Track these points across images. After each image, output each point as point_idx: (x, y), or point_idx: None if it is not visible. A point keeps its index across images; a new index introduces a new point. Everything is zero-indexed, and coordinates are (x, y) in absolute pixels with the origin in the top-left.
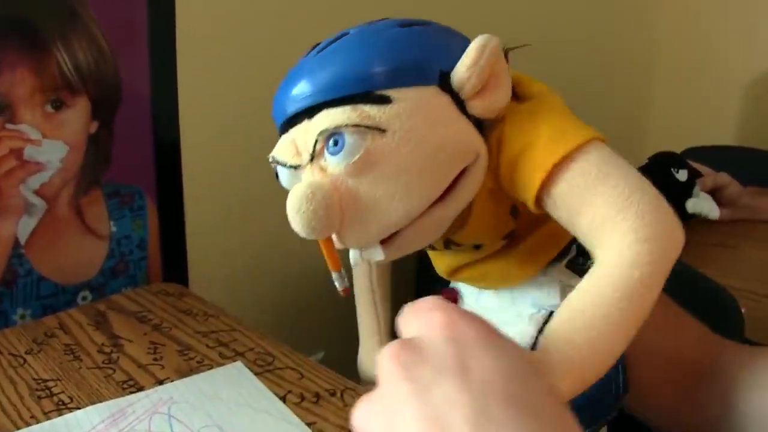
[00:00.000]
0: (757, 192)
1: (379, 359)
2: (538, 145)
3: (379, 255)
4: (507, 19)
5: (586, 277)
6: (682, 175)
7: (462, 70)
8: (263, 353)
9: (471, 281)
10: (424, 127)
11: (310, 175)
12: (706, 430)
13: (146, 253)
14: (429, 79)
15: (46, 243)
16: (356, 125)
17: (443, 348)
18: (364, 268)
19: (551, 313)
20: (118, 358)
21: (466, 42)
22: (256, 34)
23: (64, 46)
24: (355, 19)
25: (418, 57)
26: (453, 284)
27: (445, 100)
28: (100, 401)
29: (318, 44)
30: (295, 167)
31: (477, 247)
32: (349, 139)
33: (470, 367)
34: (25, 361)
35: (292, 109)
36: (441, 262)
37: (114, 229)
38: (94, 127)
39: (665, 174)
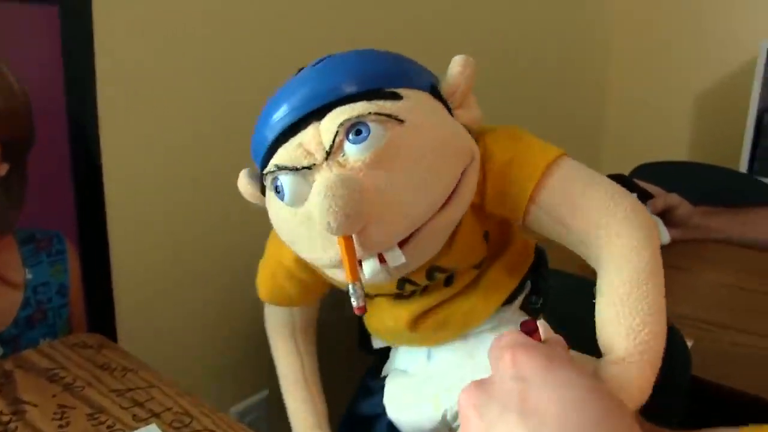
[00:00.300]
0: (708, 212)
1: (458, 401)
2: (528, 153)
3: (400, 258)
4: (459, 40)
5: (604, 274)
6: None
7: (453, 78)
8: (181, 413)
9: (432, 330)
10: (432, 122)
11: (327, 172)
12: None
13: (67, 300)
14: (423, 86)
15: None
16: (378, 114)
17: (507, 386)
18: (283, 329)
19: None
20: (17, 428)
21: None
22: (182, 73)
23: None
24: (280, 51)
25: (410, 67)
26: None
27: (439, 104)
28: None
29: (301, 69)
30: (309, 168)
31: (448, 283)
32: (373, 127)
33: (529, 401)
34: None
35: (295, 114)
36: (404, 313)
37: (30, 276)
38: (4, 169)
39: None
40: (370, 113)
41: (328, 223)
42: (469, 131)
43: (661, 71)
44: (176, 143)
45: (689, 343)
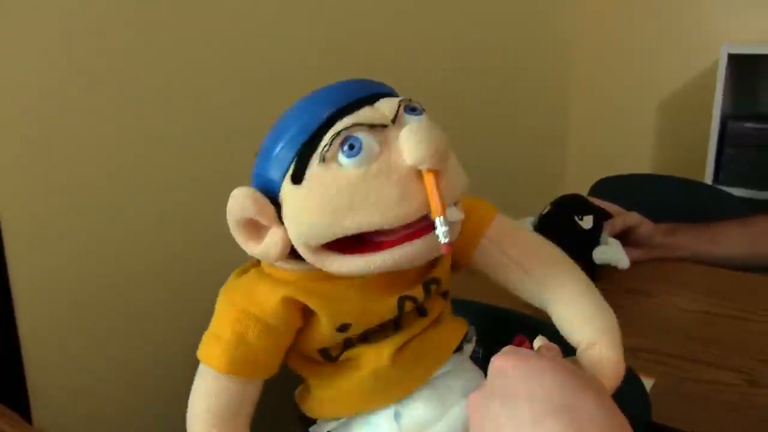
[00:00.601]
0: (672, 229)
1: (466, 408)
2: (478, 203)
3: (458, 214)
4: (420, 50)
5: (555, 284)
6: (586, 222)
7: None
8: None
9: (412, 361)
10: None
11: (398, 130)
12: None
13: None
14: None
15: None
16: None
17: (493, 383)
18: (235, 398)
19: None
20: None
21: None
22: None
23: None
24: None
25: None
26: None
27: None
28: None
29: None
30: (384, 126)
31: (423, 314)
32: (421, 110)
33: (507, 388)
34: None
35: (359, 94)
36: (386, 349)
37: None
38: None
39: (568, 223)
40: (411, 100)
41: (423, 156)
42: None
43: (622, 79)
44: (85, 189)
45: (649, 384)
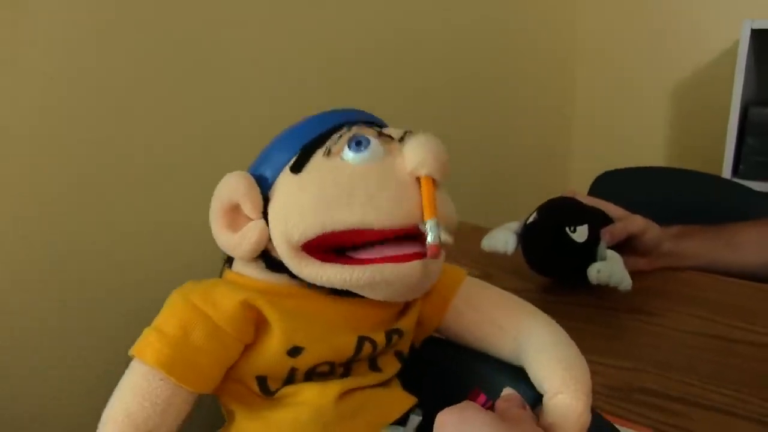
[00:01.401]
0: (683, 233)
1: None
2: (447, 268)
3: (449, 238)
4: (424, 40)
5: (531, 333)
6: (580, 234)
7: None
8: None
9: (351, 410)
10: None
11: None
12: None
13: None
14: None
15: None
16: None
17: None
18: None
19: None
20: None
21: None
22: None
23: None
24: None
25: None
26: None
27: None
28: None
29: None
30: (390, 137)
31: (374, 368)
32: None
33: None
34: None
35: (368, 118)
36: (333, 389)
37: None
38: None
39: (558, 235)
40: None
41: (424, 159)
42: None
43: (632, 61)
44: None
45: None
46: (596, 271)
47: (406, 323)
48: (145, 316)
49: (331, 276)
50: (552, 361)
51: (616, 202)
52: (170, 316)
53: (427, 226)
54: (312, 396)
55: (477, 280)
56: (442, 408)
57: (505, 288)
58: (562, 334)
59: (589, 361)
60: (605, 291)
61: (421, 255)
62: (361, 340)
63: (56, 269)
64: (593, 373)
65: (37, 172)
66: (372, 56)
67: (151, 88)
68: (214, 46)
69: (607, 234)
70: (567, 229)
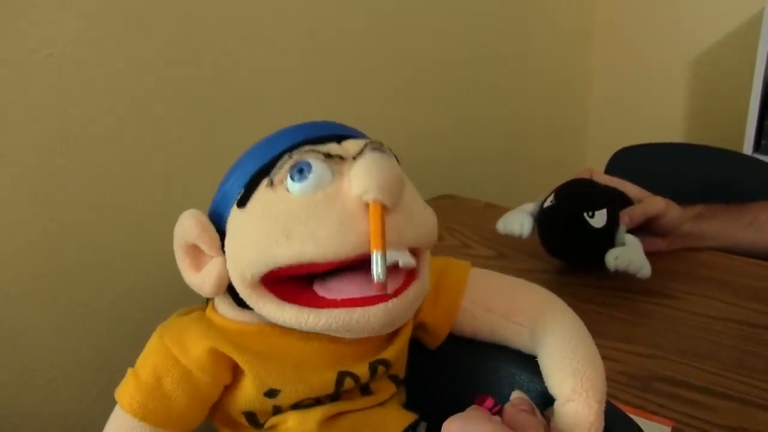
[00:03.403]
0: (703, 214)
1: None
2: (450, 264)
3: (411, 261)
4: (439, 12)
5: (545, 333)
6: (598, 220)
7: None
8: None
9: None
10: None
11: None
12: None
13: None
14: None
15: None
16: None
17: None
18: None
19: None
20: None
21: None
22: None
23: None
24: None
25: None
26: None
27: None
28: None
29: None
30: (341, 157)
31: (366, 392)
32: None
33: None
34: None
35: (325, 132)
36: (316, 414)
37: None
38: None
39: (576, 221)
40: (383, 144)
41: (369, 185)
42: None
43: (650, 34)
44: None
45: (665, 431)
46: (614, 258)
47: (393, 352)
48: (164, 318)
49: (287, 318)
50: (564, 365)
51: (634, 179)
52: (146, 359)
53: (372, 259)
54: (294, 424)
55: (482, 272)
56: (454, 409)
57: (520, 269)
58: (577, 327)
59: (607, 348)
60: (623, 274)
61: (386, 298)
62: (342, 375)
63: (75, 271)
64: (611, 360)
65: (58, 173)
66: (388, 34)
67: (172, 91)
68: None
69: (625, 217)
70: (585, 214)
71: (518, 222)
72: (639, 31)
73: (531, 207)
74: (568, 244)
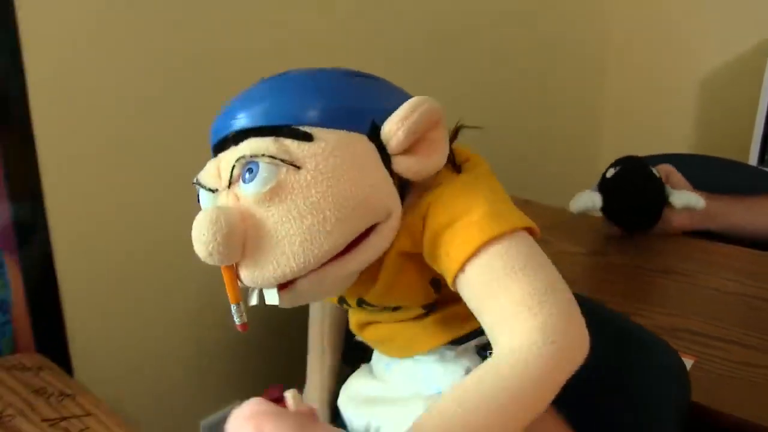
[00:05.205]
0: (707, 195)
1: None
2: (470, 221)
3: (274, 299)
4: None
5: (478, 369)
6: (654, 174)
7: (391, 123)
8: None
9: (375, 342)
10: (339, 172)
11: (224, 200)
12: None
13: (9, 318)
14: (359, 127)
15: None
16: (272, 156)
17: None
18: (317, 315)
19: None
20: None
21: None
22: (122, 72)
23: None
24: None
25: (353, 103)
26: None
27: (370, 148)
28: None
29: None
30: (214, 191)
31: (395, 309)
32: (263, 168)
33: None
34: None
35: (222, 133)
36: (352, 315)
37: None
38: None
39: (644, 174)
40: (264, 155)
41: (201, 255)
42: (415, 182)
43: (663, 52)
44: (121, 145)
45: (689, 363)
46: (677, 198)
47: (376, 297)
48: None
49: None
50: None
51: None
52: None
53: (232, 310)
54: (350, 316)
55: (495, 251)
56: None
57: (556, 251)
58: (500, 389)
59: (637, 308)
60: (641, 252)
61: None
62: (341, 299)
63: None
64: (640, 317)
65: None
66: (420, 41)
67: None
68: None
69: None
70: (652, 169)
71: (589, 198)
72: (652, 51)
73: (589, 192)
74: (635, 196)
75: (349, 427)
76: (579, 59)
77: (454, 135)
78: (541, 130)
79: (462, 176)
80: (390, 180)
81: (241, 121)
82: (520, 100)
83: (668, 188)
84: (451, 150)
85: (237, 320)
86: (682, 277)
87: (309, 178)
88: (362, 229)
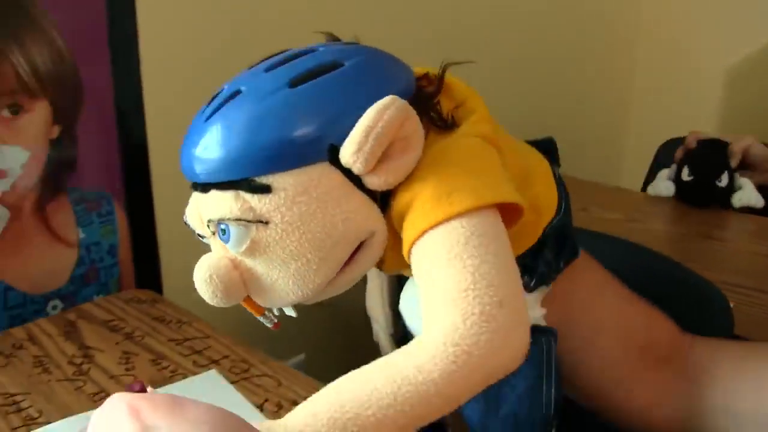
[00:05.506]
0: None
1: None
2: (418, 204)
3: (291, 312)
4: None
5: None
6: (723, 181)
7: (346, 155)
8: (239, 360)
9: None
10: (306, 218)
11: (215, 246)
12: (671, 426)
13: (117, 260)
14: (316, 157)
15: (11, 252)
16: (238, 219)
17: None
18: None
19: None
20: (89, 369)
21: (378, 93)
22: (221, 32)
23: (20, 51)
24: (304, 28)
25: (302, 131)
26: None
27: (335, 177)
28: (71, 415)
29: (215, 95)
30: (202, 237)
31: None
32: (233, 231)
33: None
34: None
35: (187, 175)
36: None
37: (83, 235)
38: (55, 131)
39: (709, 188)
40: (229, 219)
41: (205, 296)
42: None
43: (692, 37)
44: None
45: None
46: (737, 200)
47: (388, 267)
48: None
49: None
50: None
51: None
52: None
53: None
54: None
55: (417, 258)
56: None
57: (597, 219)
58: (394, 395)
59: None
60: (679, 219)
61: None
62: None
63: None
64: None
65: None
66: (458, 36)
67: None
68: None
69: (732, 160)
70: (716, 182)
71: (665, 188)
72: (681, 35)
73: (666, 173)
74: (706, 198)
75: (409, 329)
76: (609, 42)
77: (441, 79)
78: (573, 110)
79: (439, 141)
80: (366, 200)
81: (201, 175)
82: (552, 76)
83: (737, 178)
84: (438, 102)
85: (268, 325)
86: (718, 242)
87: (279, 231)
88: (348, 253)
